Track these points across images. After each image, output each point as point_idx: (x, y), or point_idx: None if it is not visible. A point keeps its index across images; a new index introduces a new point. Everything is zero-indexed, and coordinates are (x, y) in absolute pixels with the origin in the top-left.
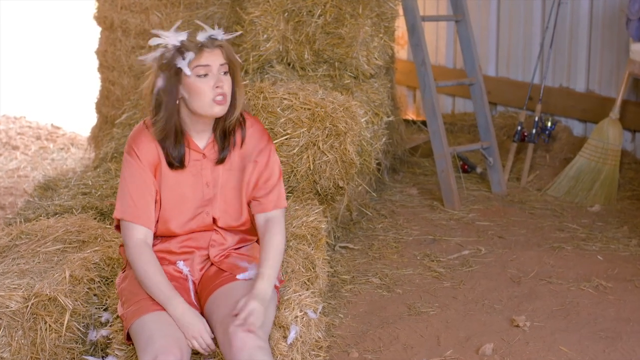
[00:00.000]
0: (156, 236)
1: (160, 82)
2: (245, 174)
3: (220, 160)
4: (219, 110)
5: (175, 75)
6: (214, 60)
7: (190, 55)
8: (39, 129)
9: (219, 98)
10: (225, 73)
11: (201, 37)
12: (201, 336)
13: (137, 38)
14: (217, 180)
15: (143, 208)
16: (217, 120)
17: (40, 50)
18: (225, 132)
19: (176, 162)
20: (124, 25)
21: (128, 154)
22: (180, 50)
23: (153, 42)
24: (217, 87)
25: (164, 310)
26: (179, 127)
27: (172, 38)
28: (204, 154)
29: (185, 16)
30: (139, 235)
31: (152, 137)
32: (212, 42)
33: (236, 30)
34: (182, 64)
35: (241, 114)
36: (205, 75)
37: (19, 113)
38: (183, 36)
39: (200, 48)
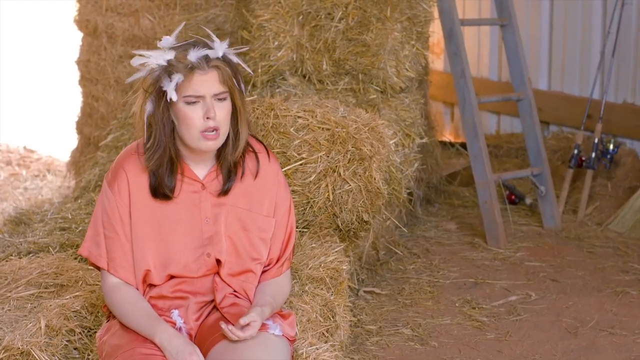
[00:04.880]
0: (151, 285)
1: (149, 107)
2: (266, 223)
3: (224, 192)
4: (210, 146)
5: (163, 100)
6: (207, 85)
7: (178, 77)
8: (10, 153)
9: (209, 133)
10: (221, 99)
11: (193, 56)
12: None
13: (125, 45)
14: (218, 217)
15: (119, 258)
16: (220, 151)
17: (9, 59)
18: (230, 165)
19: (167, 192)
20: (109, 30)
21: (109, 185)
22: (168, 70)
23: (135, 62)
24: (207, 117)
25: None
26: (173, 156)
27: (157, 57)
28: (202, 185)
29: (183, 19)
30: (114, 279)
31: (142, 165)
32: (206, 62)
33: (242, 37)
34: (169, 87)
35: (249, 143)
36: (195, 102)
37: None
38: (170, 55)
39: (190, 70)
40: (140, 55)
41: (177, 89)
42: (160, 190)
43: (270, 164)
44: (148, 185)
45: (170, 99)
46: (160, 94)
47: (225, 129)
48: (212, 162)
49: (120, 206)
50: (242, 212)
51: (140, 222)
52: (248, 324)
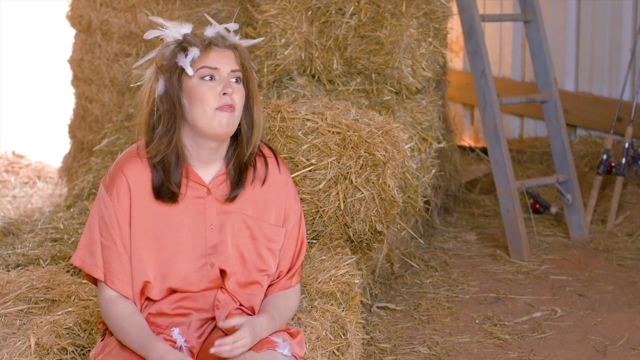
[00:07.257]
0: (149, 299)
1: (160, 86)
2: (275, 233)
3: (231, 199)
4: (224, 123)
5: (177, 77)
6: (224, 62)
7: (194, 51)
8: None
9: (225, 108)
10: (237, 81)
11: (210, 32)
12: None
13: (121, 43)
14: (224, 225)
15: (116, 269)
16: (231, 149)
17: None
18: (241, 166)
19: (173, 189)
20: (104, 26)
21: (107, 190)
22: (183, 45)
23: (149, 35)
24: (224, 93)
25: None
26: (179, 149)
27: (173, 30)
28: (208, 190)
29: (183, 15)
30: (111, 292)
31: (144, 168)
32: (223, 40)
33: (247, 34)
34: (184, 61)
35: (258, 147)
36: (211, 78)
37: None
38: (187, 28)
39: (207, 45)
40: (156, 27)
41: (192, 64)
42: (167, 188)
43: (280, 173)
44: (150, 189)
45: (184, 76)
46: (173, 71)
47: (239, 112)
48: (220, 165)
49: (118, 213)
50: (250, 219)
51: (140, 230)
52: (232, 327)
